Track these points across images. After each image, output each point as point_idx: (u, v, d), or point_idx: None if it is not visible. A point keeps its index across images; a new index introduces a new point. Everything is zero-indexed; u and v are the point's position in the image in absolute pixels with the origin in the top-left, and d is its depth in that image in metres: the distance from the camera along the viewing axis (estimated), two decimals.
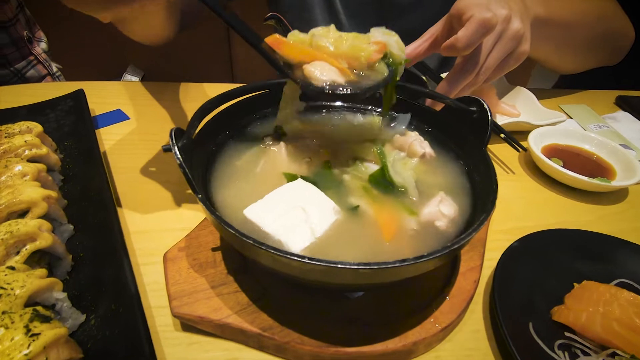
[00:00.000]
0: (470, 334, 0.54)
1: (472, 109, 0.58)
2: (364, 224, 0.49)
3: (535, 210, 0.77)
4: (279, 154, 0.57)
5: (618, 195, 0.81)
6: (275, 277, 0.42)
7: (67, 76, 1.42)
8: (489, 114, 0.54)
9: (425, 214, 0.49)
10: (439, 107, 0.66)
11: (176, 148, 0.42)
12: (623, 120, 1.06)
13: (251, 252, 0.40)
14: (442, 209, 0.49)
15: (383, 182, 0.53)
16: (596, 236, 0.65)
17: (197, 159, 0.51)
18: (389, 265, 0.37)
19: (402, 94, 0.67)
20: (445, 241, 0.47)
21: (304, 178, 0.53)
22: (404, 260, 0.38)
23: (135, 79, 2.02)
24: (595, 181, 0.75)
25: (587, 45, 1.04)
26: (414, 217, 0.50)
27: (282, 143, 0.59)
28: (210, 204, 0.43)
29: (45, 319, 0.41)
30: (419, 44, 0.80)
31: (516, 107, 1.01)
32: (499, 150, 0.92)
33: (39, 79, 1.30)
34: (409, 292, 0.52)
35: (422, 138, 0.59)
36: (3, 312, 0.41)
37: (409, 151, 0.58)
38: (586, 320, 0.51)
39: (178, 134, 0.45)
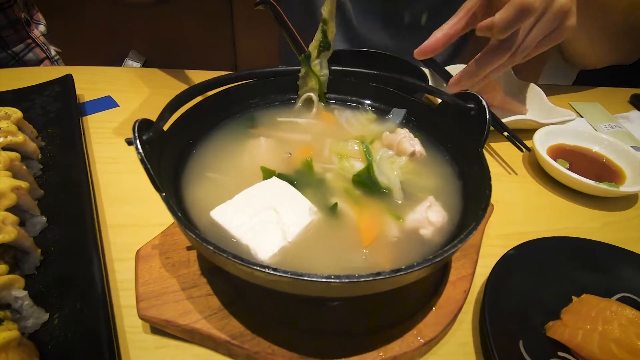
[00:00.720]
0: (458, 347, 0.51)
1: (470, 105, 0.53)
2: (343, 228, 0.45)
3: (536, 215, 0.73)
4: (257, 148, 0.54)
5: (627, 202, 0.76)
6: (247, 281, 0.39)
7: (66, 60, 1.40)
8: (487, 112, 0.50)
9: (411, 221, 0.45)
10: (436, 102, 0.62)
11: (138, 141, 0.39)
12: (637, 120, 1.00)
13: (214, 259, 0.37)
14: (430, 216, 0.45)
15: (367, 182, 0.49)
16: (599, 245, 0.61)
17: (169, 153, 0.48)
18: (362, 279, 0.34)
19: (397, 88, 0.63)
20: (430, 252, 0.43)
21: (282, 175, 0.49)
22: (378, 274, 0.34)
23: (136, 64, 1.98)
24: (602, 186, 0.71)
25: (616, 36, 0.98)
26: (398, 223, 0.46)
27: (261, 137, 0.55)
28: (174, 203, 0.40)
29: None
30: (456, 22, 0.73)
31: (523, 104, 0.96)
32: (501, 149, 0.87)
33: (37, 62, 1.28)
34: (391, 302, 0.49)
35: (412, 135, 0.55)
36: None
37: (398, 149, 0.54)
38: (582, 339, 0.47)
39: (144, 126, 0.41)
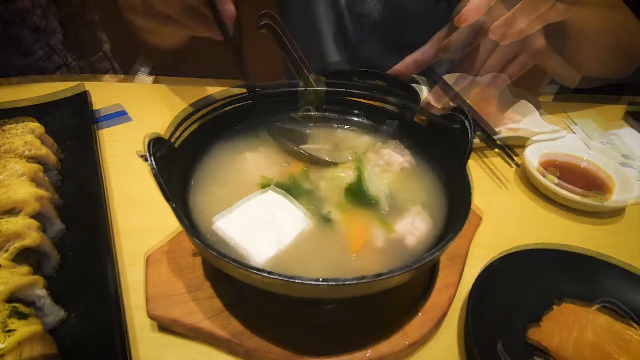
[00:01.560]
0: (442, 350, 0.54)
1: (457, 121, 0.57)
2: (333, 235, 0.49)
3: (525, 224, 0.76)
4: (257, 158, 0.58)
5: (615, 210, 0.79)
6: (246, 284, 0.43)
7: (81, 66, 1.46)
8: (470, 129, 0.54)
9: (397, 228, 0.49)
10: (436, 110, 0.65)
11: (152, 158, 0.43)
12: (631, 129, 1.03)
13: (216, 263, 0.41)
14: (415, 224, 0.49)
15: (358, 192, 0.53)
16: (584, 254, 0.63)
17: (178, 164, 0.52)
18: (347, 282, 0.38)
19: (389, 104, 0.67)
20: (413, 258, 0.46)
21: (279, 184, 0.53)
22: (362, 277, 0.38)
23: (144, 70, 2.05)
24: (588, 201, 0.74)
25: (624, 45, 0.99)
26: (385, 231, 0.50)
27: (261, 147, 0.60)
28: (182, 213, 0.45)
29: (23, 316, 0.44)
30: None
31: (517, 114, 0.99)
32: (493, 157, 0.90)
33: (55, 69, 1.34)
34: (381, 304, 0.53)
35: (402, 146, 0.59)
36: None
37: (389, 160, 0.58)
38: (559, 343, 0.50)
39: (155, 141, 0.46)
